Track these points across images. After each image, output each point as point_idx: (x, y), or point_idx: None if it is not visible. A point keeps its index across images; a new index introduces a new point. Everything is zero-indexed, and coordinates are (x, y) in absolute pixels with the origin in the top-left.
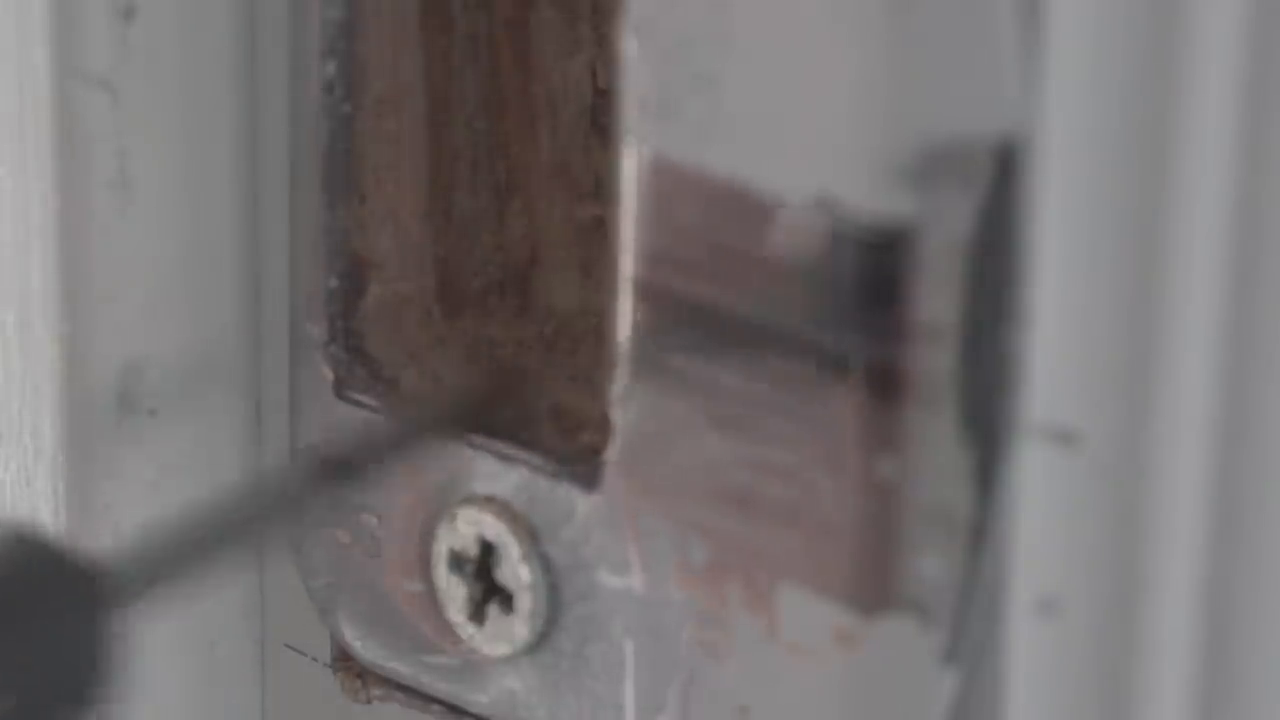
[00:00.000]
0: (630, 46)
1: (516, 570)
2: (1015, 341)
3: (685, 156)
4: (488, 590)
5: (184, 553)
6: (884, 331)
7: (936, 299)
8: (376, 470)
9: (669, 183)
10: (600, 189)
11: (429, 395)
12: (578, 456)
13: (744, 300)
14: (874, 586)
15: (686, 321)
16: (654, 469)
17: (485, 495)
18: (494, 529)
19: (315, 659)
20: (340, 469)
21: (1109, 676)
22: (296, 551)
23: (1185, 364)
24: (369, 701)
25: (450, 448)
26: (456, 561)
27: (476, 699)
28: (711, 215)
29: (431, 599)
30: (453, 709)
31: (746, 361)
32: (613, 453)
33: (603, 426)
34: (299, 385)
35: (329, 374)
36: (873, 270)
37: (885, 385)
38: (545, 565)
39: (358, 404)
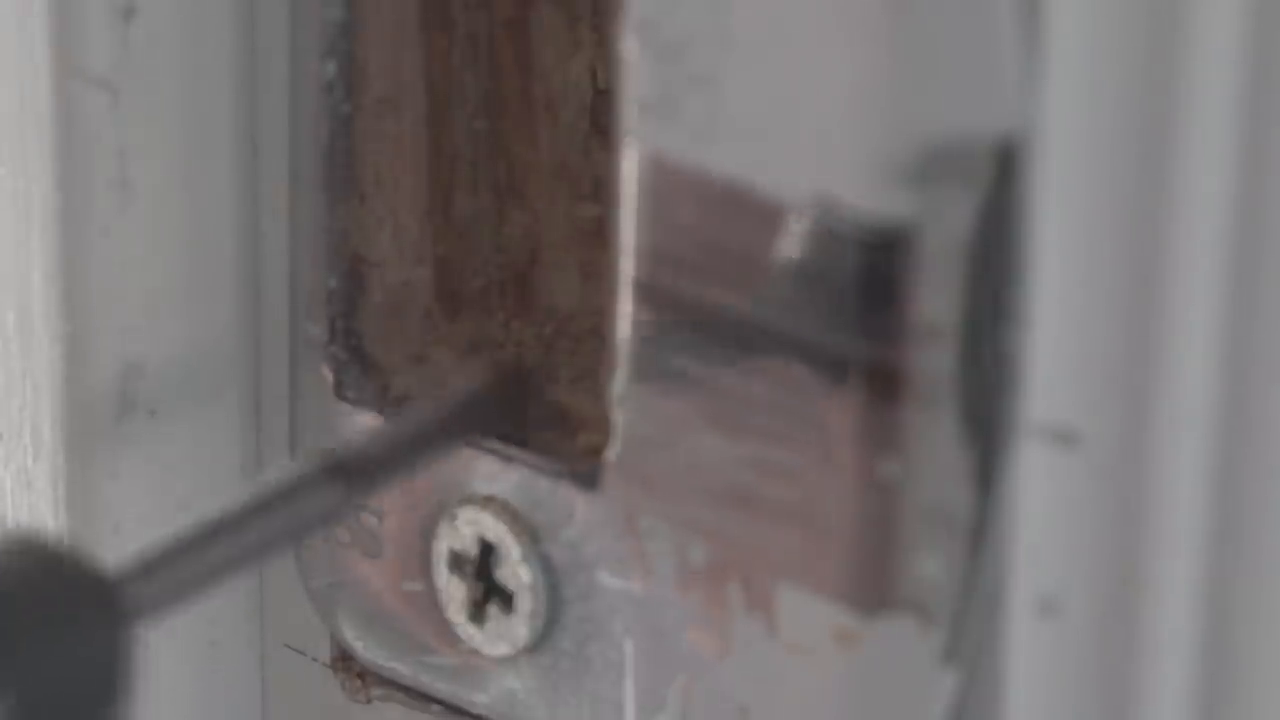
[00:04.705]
0: (630, 46)
1: (516, 570)
2: (1015, 341)
3: (685, 156)
4: (488, 590)
5: (197, 565)
6: (884, 332)
7: (936, 299)
8: (392, 477)
9: (669, 183)
10: (600, 189)
11: (440, 398)
12: (578, 456)
13: (744, 300)
14: (874, 586)
15: (686, 321)
16: (654, 469)
17: (485, 495)
18: (494, 529)
19: (315, 659)
20: (356, 476)
21: (1109, 676)
22: (296, 552)
23: (1185, 364)
24: (369, 701)
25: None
26: (456, 561)
27: (476, 699)
28: (711, 215)
29: (431, 599)
30: (453, 709)
31: (746, 362)
32: (613, 453)
33: (603, 426)
34: (299, 385)
35: (329, 374)
36: (872, 270)
37: (885, 385)
38: (545, 565)
39: (357, 404)
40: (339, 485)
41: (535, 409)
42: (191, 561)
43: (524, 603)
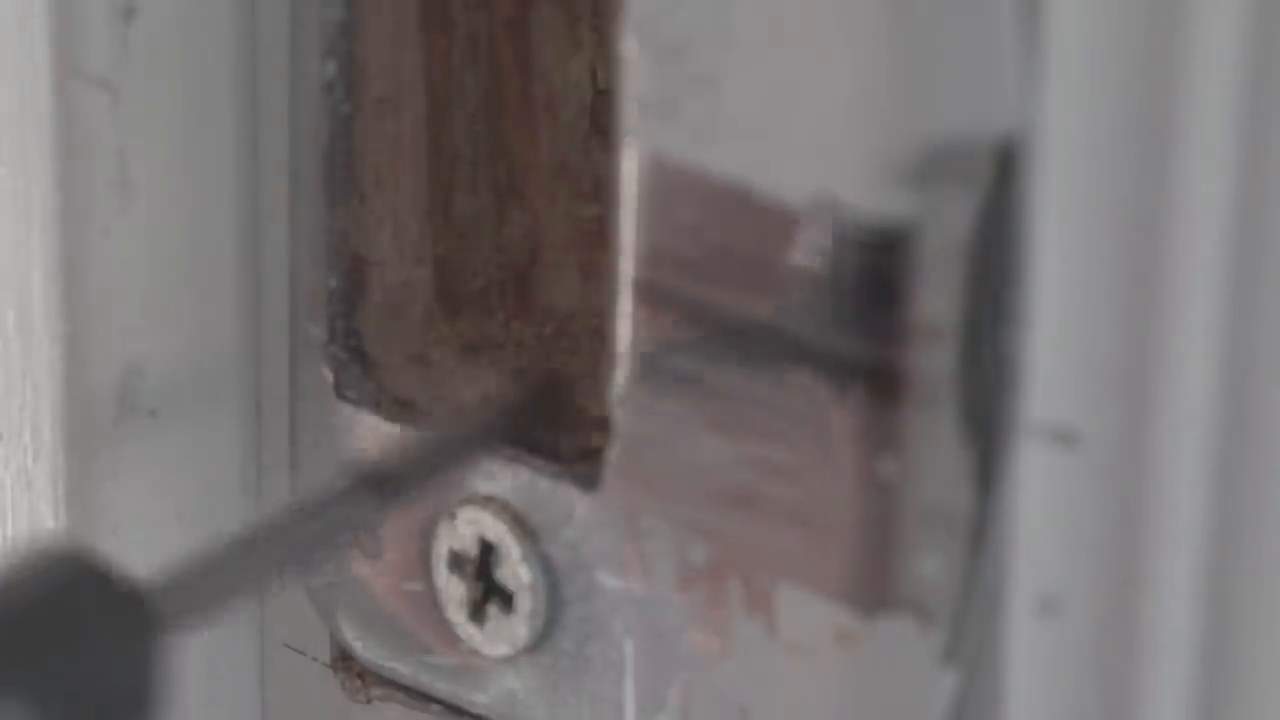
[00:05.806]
0: (630, 46)
1: (516, 570)
2: (1015, 341)
3: (685, 157)
4: (487, 590)
5: (230, 577)
6: (884, 332)
7: (936, 299)
8: (424, 487)
9: (669, 183)
10: (600, 189)
11: (472, 408)
12: (578, 456)
13: (744, 300)
14: (874, 586)
15: (687, 322)
16: (654, 469)
17: (485, 495)
18: (494, 529)
19: (315, 659)
20: (387, 487)
21: (1109, 676)
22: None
23: (1185, 364)
24: (369, 701)
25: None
26: (456, 561)
27: (476, 699)
28: (711, 216)
29: (431, 599)
30: (453, 709)
31: (746, 362)
32: (613, 453)
33: (603, 426)
34: (299, 385)
35: (329, 374)
36: (873, 270)
37: (885, 385)
38: (545, 565)
39: (357, 404)
40: (371, 497)
41: (567, 418)
42: (224, 574)
43: (524, 603)
